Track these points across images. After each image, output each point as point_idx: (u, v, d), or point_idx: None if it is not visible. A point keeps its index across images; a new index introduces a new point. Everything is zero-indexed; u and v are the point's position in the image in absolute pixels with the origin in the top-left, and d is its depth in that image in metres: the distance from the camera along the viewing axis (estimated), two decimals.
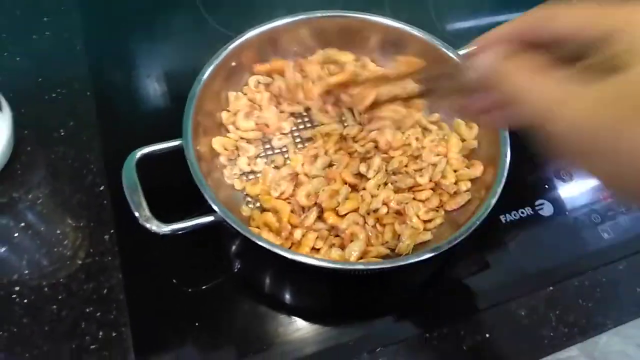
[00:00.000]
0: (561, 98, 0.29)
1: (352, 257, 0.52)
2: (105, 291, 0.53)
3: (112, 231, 0.56)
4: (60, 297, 0.52)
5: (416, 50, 0.63)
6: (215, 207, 0.47)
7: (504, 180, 0.52)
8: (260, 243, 0.46)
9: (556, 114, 0.28)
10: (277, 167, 0.60)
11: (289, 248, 0.54)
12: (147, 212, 0.46)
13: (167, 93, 0.70)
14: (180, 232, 0.47)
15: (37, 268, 0.54)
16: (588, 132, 0.27)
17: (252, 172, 0.61)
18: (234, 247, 0.56)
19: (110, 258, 0.55)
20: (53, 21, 0.76)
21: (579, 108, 0.28)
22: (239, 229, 0.46)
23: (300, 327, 0.52)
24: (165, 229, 0.46)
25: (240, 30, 0.62)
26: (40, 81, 0.69)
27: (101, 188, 0.59)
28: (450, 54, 0.61)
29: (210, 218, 0.47)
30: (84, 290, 0.53)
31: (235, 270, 0.55)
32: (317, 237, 0.54)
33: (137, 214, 0.46)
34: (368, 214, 0.57)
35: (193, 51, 0.74)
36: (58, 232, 0.56)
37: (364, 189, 0.58)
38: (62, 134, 0.64)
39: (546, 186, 0.64)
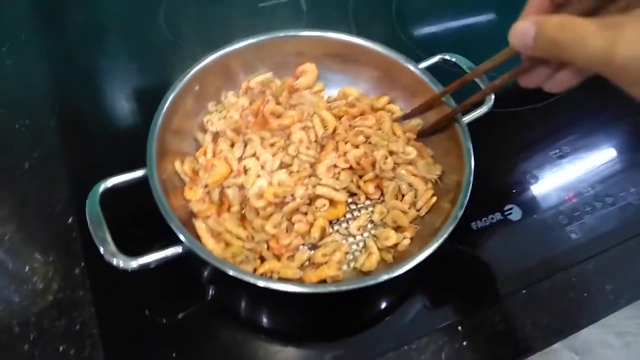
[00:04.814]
0: (611, 39, 0.32)
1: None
2: (78, 327, 0.52)
3: (82, 264, 0.55)
4: (32, 336, 0.51)
5: (375, 63, 0.66)
6: (183, 239, 0.47)
7: (469, 192, 0.52)
8: (231, 273, 0.46)
9: (612, 51, 0.32)
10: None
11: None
12: (112, 248, 0.45)
13: (133, 117, 0.70)
14: (150, 267, 0.46)
15: (6, 306, 0.53)
16: None
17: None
18: (207, 273, 0.56)
19: (81, 292, 0.54)
20: (13, 50, 0.75)
21: (630, 44, 0.32)
22: (208, 259, 0.46)
23: (280, 350, 0.52)
24: (133, 264, 0.45)
25: (206, 49, 0.62)
26: (2, 112, 0.68)
27: (69, 220, 0.59)
28: (411, 67, 0.63)
29: (179, 249, 0.47)
30: (56, 327, 0.52)
31: (210, 297, 0.55)
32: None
33: (102, 250, 0.45)
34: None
35: (159, 74, 0.74)
36: (27, 268, 0.55)
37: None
38: (27, 166, 0.63)
39: (514, 191, 0.64)
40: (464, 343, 0.53)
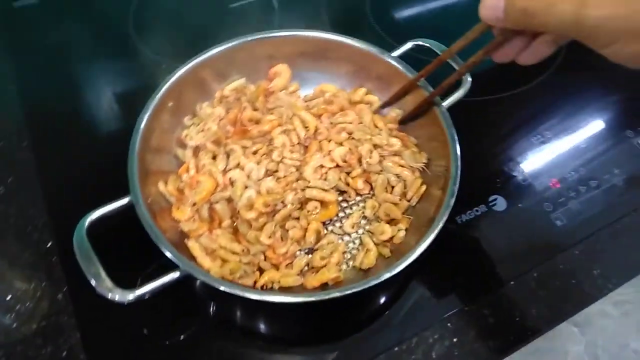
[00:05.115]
0: (580, 1, 0.33)
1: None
2: (65, 353, 0.51)
3: (65, 289, 0.54)
4: None
5: (349, 58, 0.65)
6: (180, 264, 0.46)
7: (458, 179, 0.53)
8: (231, 291, 0.45)
9: (582, 14, 0.33)
10: None
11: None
12: (108, 283, 0.43)
13: (109, 135, 0.68)
14: (147, 297, 0.45)
15: None
16: (612, 22, 0.33)
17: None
18: (203, 291, 0.55)
19: (66, 317, 0.53)
20: None
21: (600, 5, 0.33)
22: (207, 281, 0.45)
23: (272, 357, 0.52)
24: (130, 296, 0.44)
25: (178, 56, 0.60)
26: None
27: (48, 245, 0.57)
28: (385, 57, 0.63)
29: (175, 274, 0.46)
30: (42, 355, 0.50)
31: (207, 314, 0.53)
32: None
33: (96, 286, 0.44)
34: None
35: (133, 86, 0.73)
36: (9, 297, 0.54)
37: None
38: (2, 191, 0.61)
39: (498, 180, 0.64)
40: (454, 340, 0.53)
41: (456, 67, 0.57)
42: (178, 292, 0.51)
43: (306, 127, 0.62)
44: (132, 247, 0.50)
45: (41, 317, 0.53)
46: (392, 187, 0.60)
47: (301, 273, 0.54)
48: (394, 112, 0.64)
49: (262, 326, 0.54)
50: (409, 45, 0.64)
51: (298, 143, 0.62)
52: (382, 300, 0.55)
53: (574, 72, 0.75)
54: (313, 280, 0.52)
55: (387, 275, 0.47)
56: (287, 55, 0.65)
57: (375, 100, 0.66)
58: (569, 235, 0.60)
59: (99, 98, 0.72)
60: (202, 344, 0.52)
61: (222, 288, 0.46)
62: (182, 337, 0.52)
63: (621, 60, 0.35)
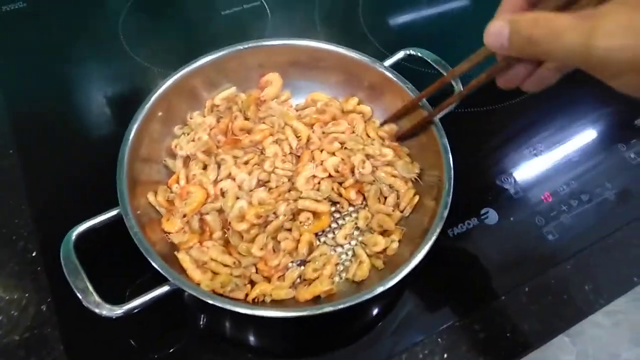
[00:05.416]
0: (588, 31, 0.32)
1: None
2: None
3: (49, 300, 0.53)
4: None
5: (340, 67, 0.65)
6: (168, 277, 0.45)
7: (451, 190, 0.52)
8: (222, 305, 0.44)
9: (590, 44, 0.31)
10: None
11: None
12: (96, 298, 0.43)
13: (98, 142, 0.67)
14: (135, 311, 0.44)
15: None
16: (622, 53, 0.31)
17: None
18: (192, 303, 0.53)
19: (49, 329, 0.52)
20: None
21: (609, 35, 0.31)
22: (197, 295, 0.45)
23: None
24: (118, 311, 0.43)
25: (170, 64, 0.60)
26: None
27: (33, 254, 0.57)
28: (377, 67, 0.62)
29: (165, 288, 0.45)
30: None
31: (201, 325, 0.53)
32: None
33: (84, 301, 0.43)
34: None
35: (123, 93, 0.72)
36: None
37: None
38: None
39: (490, 193, 0.64)
40: (445, 355, 0.52)
41: (456, 88, 0.57)
42: (167, 303, 0.50)
43: (298, 137, 0.62)
44: (121, 259, 0.49)
45: (24, 329, 0.52)
46: (385, 197, 0.60)
47: (293, 285, 0.54)
48: (387, 125, 0.64)
49: (251, 339, 0.53)
50: (400, 54, 0.64)
51: (290, 153, 0.61)
52: (373, 313, 0.55)
53: (567, 84, 0.73)
54: (305, 293, 0.52)
55: (380, 289, 0.47)
56: (278, 64, 0.65)
57: (368, 110, 0.65)
58: (561, 250, 0.59)
59: (88, 105, 0.71)
60: (192, 357, 0.50)
61: (212, 302, 0.45)
62: (171, 350, 0.50)
63: (630, 92, 0.34)
